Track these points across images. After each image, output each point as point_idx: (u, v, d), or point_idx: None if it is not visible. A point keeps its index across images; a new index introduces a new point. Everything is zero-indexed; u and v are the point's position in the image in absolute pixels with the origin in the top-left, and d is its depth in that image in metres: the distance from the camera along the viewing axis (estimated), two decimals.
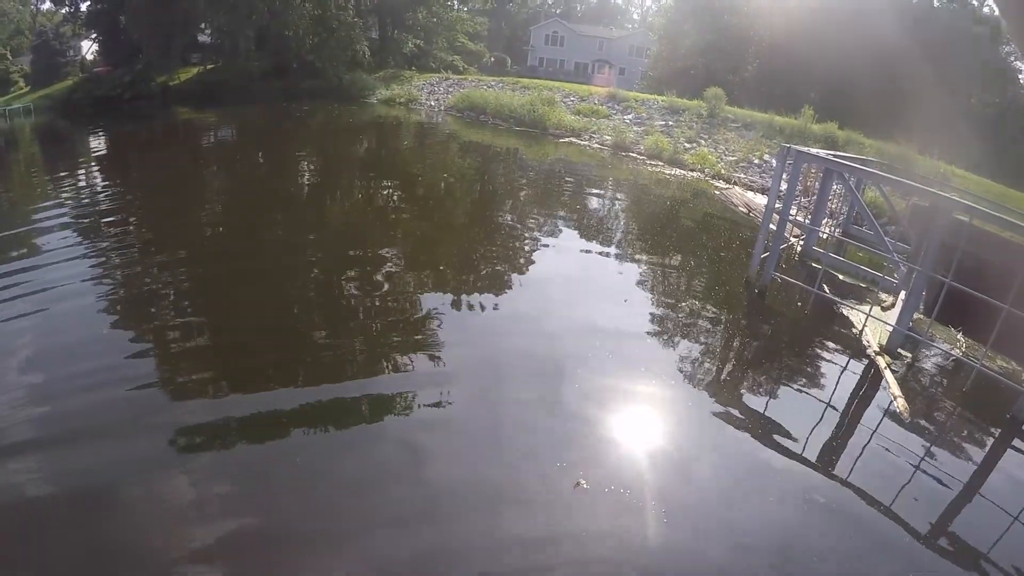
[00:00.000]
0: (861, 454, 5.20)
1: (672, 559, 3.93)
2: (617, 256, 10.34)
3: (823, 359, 7.16)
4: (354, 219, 12.00)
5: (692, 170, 19.51)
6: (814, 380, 6.57)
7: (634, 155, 21.56)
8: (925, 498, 4.70)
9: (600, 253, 10.42)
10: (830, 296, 8.55)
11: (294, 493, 4.27)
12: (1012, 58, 36.03)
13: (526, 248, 10.28)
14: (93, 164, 18.67)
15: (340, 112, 29.53)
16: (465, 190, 15.37)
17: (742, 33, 36.68)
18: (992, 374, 6.39)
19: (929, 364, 7.33)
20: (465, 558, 3.84)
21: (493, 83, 33.97)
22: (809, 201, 12.67)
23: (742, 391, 6.20)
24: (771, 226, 8.52)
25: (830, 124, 22.89)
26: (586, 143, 23.32)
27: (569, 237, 11.11)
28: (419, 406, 5.36)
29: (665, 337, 7.21)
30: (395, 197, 14.05)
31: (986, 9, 36.27)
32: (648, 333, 7.23)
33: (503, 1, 64.92)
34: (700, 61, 37.07)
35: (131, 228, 10.50)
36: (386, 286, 8.13)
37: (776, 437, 5.27)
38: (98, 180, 15.63)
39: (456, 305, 7.56)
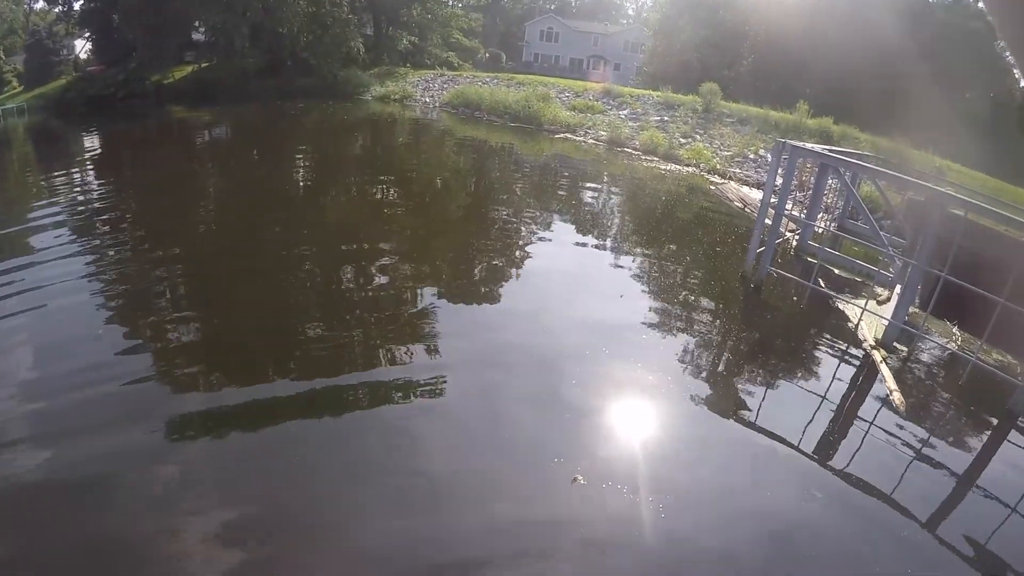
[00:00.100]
0: (858, 447, 5.21)
1: (671, 552, 3.93)
2: (613, 251, 10.33)
3: (819, 353, 7.17)
4: (349, 216, 11.96)
5: (687, 165, 19.52)
6: (810, 374, 6.57)
7: (629, 151, 21.55)
8: (922, 491, 4.71)
9: (596, 248, 10.41)
10: (826, 290, 8.56)
11: (290, 484, 4.29)
12: (1007, 53, 36.06)
13: (522, 243, 10.26)
14: (87, 163, 18.58)
15: (335, 109, 29.44)
16: (461, 186, 15.36)
17: (737, 28, 36.61)
18: (988, 368, 6.40)
19: (925, 358, 7.34)
20: (461, 547, 3.85)
21: (488, 79, 33.90)
22: (804, 196, 12.68)
23: (739, 386, 6.20)
24: (767, 221, 8.52)
25: (825, 119, 22.88)
26: (581, 139, 23.30)
27: (565, 232, 11.10)
28: (416, 401, 5.37)
29: (661, 332, 7.20)
30: (391, 194, 14.00)
31: (981, 4, 36.27)
32: (644, 328, 7.21)
33: None
34: (695, 56, 37.00)
35: (125, 226, 10.45)
36: (382, 281, 8.13)
37: (773, 431, 5.27)
38: (92, 179, 15.54)
39: (453, 300, 7.56)
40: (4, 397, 5.04)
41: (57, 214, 10.93)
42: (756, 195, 15.44)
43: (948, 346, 7.38)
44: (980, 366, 6.34)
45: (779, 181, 8.61)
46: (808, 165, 12.79)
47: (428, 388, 5.51)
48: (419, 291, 7.81)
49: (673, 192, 16.20)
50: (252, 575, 3.59)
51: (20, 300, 6.87)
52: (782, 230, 9.19)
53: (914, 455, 5.17)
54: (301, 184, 14.97)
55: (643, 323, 7.34)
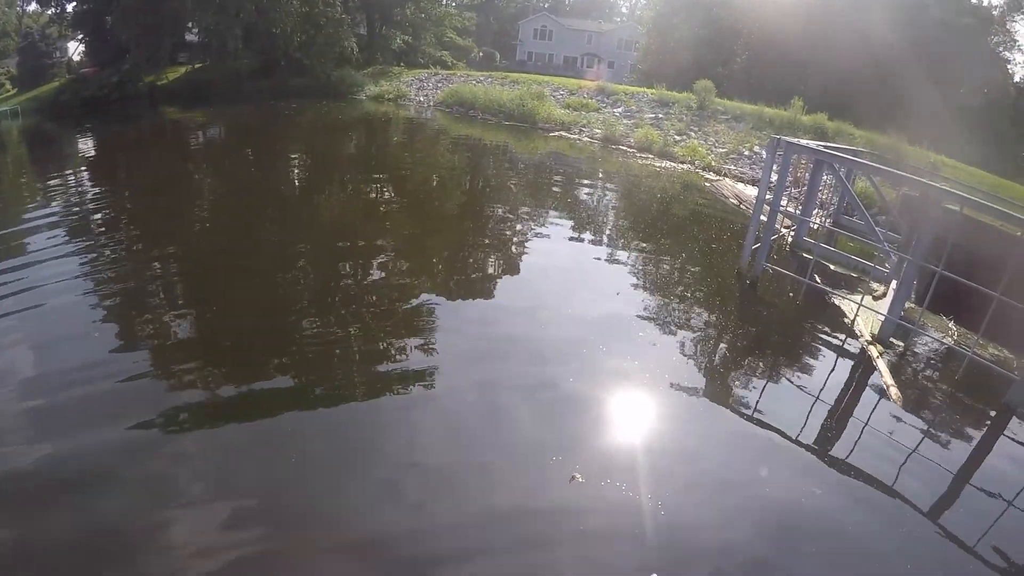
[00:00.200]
0: (856, 441, 5.22)
1: (670, 545, 3.93)
2: (608, 248, 10.33)
3: (815, 349, 7.18)
4: (344, 214, 11.92)
5: (682, 162, 19.53)
6: (806, 370, 6.58)
7: (624, 148, 21.56)
8: (919, 484, 4.73)
9: (591, 244, 10.41)
10: (821, 286, 8.57)
11: (287, 477, 4.31)
12: (1001, 49, 36.18)
13: (518, 241, 10.25)
14: (82, 165, 18.47)
15: (329, 109, 29.37)
16: (456, 185, 15.34)
17: (732, 25, 36.62)
18: (984, 362, 6.43)
19: (921, 353, 7.35)
20: (457, 538, 3.88)
21: (482, 78, 33.85)
22: (800, 192, 12.68)
23: (735, 382, 6.21)
24: (762, 217, 8.52)
25: (820, 115, 22.92)
26: (576, 137, 23.30)
27: (560, 229, 11.08)
28: (412, 395, 5.38)
29: (657, 329, 7.20)
30: (386, 192, 13.96)
31: (974, 0, 36.38)
32: (640, 324, 7.21)
33: None
34: (690, 54, 37.01)
35: (120, 226, 10.42)
36: (378, 277, 8.13)
37: (770, 427, 5.28)
38: (87, 181, 15.47)
39: (448, 296, 7.55)
40: (1, 395, 5.04)
41: (52, 215, 10.89)
42: (751, 192, 15.46)
43: (944, 341, 7.40)
44: (976, 360, 6.37)
45: (774, 177, 8.61)
46: (803, 161, 12.79)
47: (424, 383, 5.54)
48: (415, 288, 7.81)
49: (668, 189, 16.21)
50: (249, 567, 3.60)
51: (16, 300, 6.85)
52: (777, 226, 9.20)
53: (911, 449, 5.18)
54: (296, 184, 14.92)
55: (639, 319, 7.33)
